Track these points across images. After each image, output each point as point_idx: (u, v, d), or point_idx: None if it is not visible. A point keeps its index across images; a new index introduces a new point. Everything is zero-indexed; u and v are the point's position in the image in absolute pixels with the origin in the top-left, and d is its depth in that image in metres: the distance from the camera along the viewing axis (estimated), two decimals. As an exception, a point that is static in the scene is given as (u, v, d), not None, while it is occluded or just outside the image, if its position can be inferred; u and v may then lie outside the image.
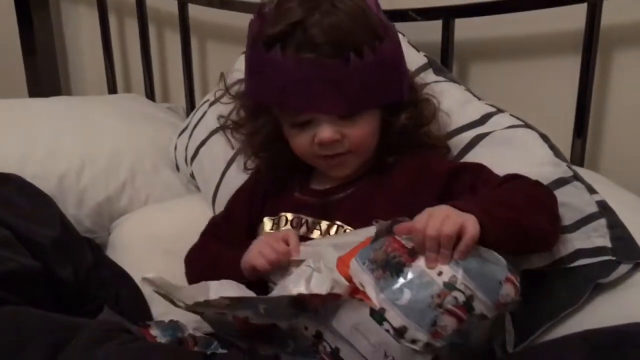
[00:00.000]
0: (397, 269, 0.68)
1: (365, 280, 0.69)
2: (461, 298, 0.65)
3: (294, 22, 0.81)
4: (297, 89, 0.82)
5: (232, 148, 1.01)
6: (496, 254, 0.69)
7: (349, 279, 0.70)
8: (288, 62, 0.81)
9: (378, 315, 0.67)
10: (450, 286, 0.65)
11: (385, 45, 0.83)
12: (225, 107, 1.03)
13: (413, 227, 0.69)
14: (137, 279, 1.11)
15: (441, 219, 0.67)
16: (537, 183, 0.82)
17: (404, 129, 0.89)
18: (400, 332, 0.66)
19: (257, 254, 0.80)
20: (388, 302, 0.67)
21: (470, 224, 0.67)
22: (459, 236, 0.67)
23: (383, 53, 0.83)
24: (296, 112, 0.85)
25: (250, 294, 0.75)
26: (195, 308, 0.75)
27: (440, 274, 0.66)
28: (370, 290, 0.68)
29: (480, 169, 0.86)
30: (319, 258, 0.74)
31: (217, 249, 0.94)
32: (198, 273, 0.92)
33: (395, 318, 0.66)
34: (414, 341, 0.66)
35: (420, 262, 0.68)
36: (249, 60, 0.88)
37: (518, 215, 0.73)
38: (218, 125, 1.23)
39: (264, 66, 0.84)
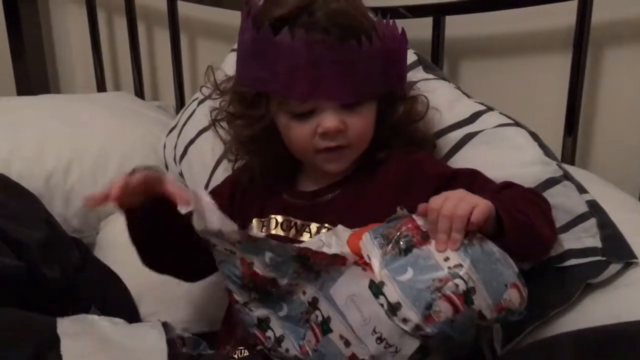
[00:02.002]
0: (407, 248, 0.68)
1: (373, 252, 0.69)
2: (462, 287, 0.64)
3: (300, 5, 0.80)
4: (306, 73, 0.79)
5: (224, 143, 0.98)
6: (510, 259, 0.69)
7: (358, 252, 0.71)
8: (298, 44, 0.78)
9: (375, 288, 0.67)
10: (454, 273, 0.65)
11: (391, 31, 0.84)
12: (213, 103, 0.99)
13: (429, 206, 0.69)
14: (125, 279, 1.10)
15: (456, 200, 0.68)
16: (533, 190, 0.82)
17: (398, 123, 0.88)
18: (393, 309, 0.66)
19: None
20: (389, 276, 0.67)
21: (484, 204, 0.68)
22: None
23: (388, 40, 0.83)
24: (302, 99, 0.82)
25: None
26: (206, 235, 0.73)
27: (447, 259, 0.66)
28: (375, 263, 0.68)
29: (474, 175, 0.85)
30: (332, 235, 0.75)
31: None
32: None
33: (392, 293, 0.66)
34: (405, 320, 0.65)
35: (431, 246, 0.68)
36: (248, 45, 0.84)
37: (529, 219, 0.73)
38: (207, 124, 1.23)
39: (269, 50, 0.81)
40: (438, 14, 1.14)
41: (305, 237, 0.87)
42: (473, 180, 0.83)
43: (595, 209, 0.83)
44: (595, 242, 0.81)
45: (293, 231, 0.88)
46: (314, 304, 0.71)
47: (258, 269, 0.73)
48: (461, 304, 0.64)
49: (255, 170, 0.94)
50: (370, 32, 0.81)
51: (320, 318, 0.70)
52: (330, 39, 0.79)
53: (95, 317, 0.75)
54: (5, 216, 0.95)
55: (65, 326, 0.70)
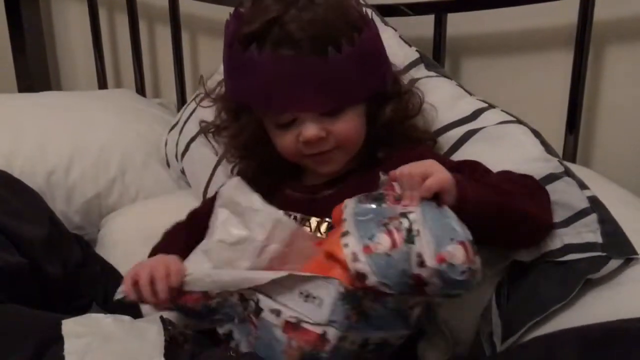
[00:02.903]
0: (377, 200, 0.71)
1: (350, 204, 0.72)
2: (405, 225, 0.66)
3: (270, 18, 0.80)
4: (277, 88, 0.81)
5: (216, 154, 0.99)
6: (467, 228, 0.68)
7: (337, 216, 0.73)
8: (266, 60, 0.80)
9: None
10: (403, 215, 0.67)
11: (364, 36, 0.82)
12: (205, 111, 1.02)
13: (399, 169, 0.71)
14: (127, 276, 1.10)
15: (418, 165, 0.70)
16: (530, 177, 0.83)
17: (390, 122, 0.88)
18: (342, 234, 0.68)
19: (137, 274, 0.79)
20: (352, 217, 0.69)
21: (441, 174, 0.70)
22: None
23: (362, 44, 0.82)
24: (278, 112, 0.84)
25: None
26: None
27: (404, 207, 0.68)
28: (347, 210, 0.71)
29: (475, 167, 0.85)
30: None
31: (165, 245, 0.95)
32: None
33: (348, 225, 0.68)
34: (346, 245, 0.66)
35: (399, 205, 0.69)
36: (226, 61, 0.86)
37: (506, 197, 0.74)
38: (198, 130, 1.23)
39: (241, 66, 0.83)
40: (440, 11, 1.14)
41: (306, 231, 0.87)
42: (474, 171, 0.84)
43: (596, 205, 0.83)
44: (595, 237, 0.81)
45: None
46: (242, 298, 0.73)
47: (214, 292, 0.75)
48: (400, 240, 0.65)
49: (254, 173, 0.95)
50: (340, 40, 0.79)
51: (253, 305, 0.72)
52: (299, 53, 0.79)
53: (100, 315, 0.75)
54: (7, 213, 0.95)
55: (70, 327, 0.71)
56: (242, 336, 0.75)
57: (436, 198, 0.69)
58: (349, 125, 0.85)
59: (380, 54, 0.87)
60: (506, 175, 0.82)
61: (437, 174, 0.69)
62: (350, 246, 0.66)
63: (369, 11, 0.91)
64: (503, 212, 0.74)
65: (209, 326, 0.78)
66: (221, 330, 0.77)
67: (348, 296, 0.67)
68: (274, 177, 0.94)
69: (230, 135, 0.94)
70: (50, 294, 0.93)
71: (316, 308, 0.67)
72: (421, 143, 0.93)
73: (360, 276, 0.65)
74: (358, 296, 0.67)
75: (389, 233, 0.65)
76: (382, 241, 0.65)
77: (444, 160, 0.89)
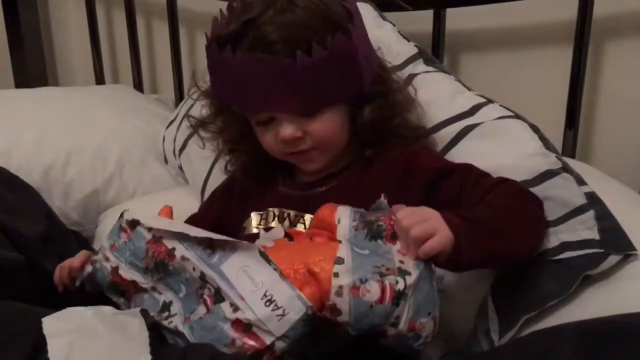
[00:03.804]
0: (374, 235, 0.71)
1: (345, 220, 0.73)
2: (400, 286, 0.66)
3: (247, 19, 0.80)
4: (252, 89, 0.81)
5: (202, 147, 1.01)
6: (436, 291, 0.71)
7: (325, 218, 0.75)
8: (240, 62, 0.80)
9: (265, 256, 0.69)
10: (401, 273, 0.67)
11: (338, 38, 0.80)
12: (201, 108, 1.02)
13: (397, 215, 0.71)
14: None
15: (421, 218, 0.69)
16: (524, 191, 0.82)
17: (371, 123, 0.87)
18: (336, 261, 0.68)
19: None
20: (348, 244, 0.70)
21: (442, 237, 0.69)
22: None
23: (335, 47, 0.80)
24: (255, 112, 0.85)
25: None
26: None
27: (402, 262, 0.68)
28: (342, 228, 0.72)
29: (468, 171, 0.85)
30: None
31: None
32: None
33: (343, 249, 0.68)
34: (336, 274, 0.66)
35: (395, 246, 0.70)
36: (208, 60, 0.87)
37: (500, 243, 0.74)
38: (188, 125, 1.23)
39: (219, 66, 0.84)
40: (439, 6, 1.14)
41: (300, 228, 0.87)
42: (466, 178, 0.83)
43: (593, 201, 0.83)
44: (592, 234, 0.81)
45: (287, 222, 0.88)
46: (203, 277, 0.72)
47: (165, 241, 0.77)
48: (389, 298, 0.66)
49: (246, 167, 0.95)
50: (315, 41, 0.79)
51: (212, 290, 0.72)
52: (271, 55, 0.79)
53: (81, 308, 0.74)
54: (5, 209, 0.95)
55: (51, 325, 0.70)
56: (183, 311, 0.74)
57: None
58: (326, 125, 0.84)
59: (358, 54, 0.83)
60: (500, 197, 0.80)
61: (439, 236, 0.69)
62: (340, 279, 0.66)
63: (366, 6, 0.90)
64: (495, 257, 0.75)
65: (152, 284, 0.78)
66: (161, 298, 0.77)
67: (311, 319, 0.67)
68: (266, 172, 0.94)
69: (218, 130, 0.94)
70: (47, 291, 0.93)
71: (275, 317, 0.67)
72: (415, 139, 0.92)
73: (335, 311, 0.66)
74: (317, 321, 0.68)
75: (382, 286, 0.66)
76: (372, 290, 0.66)
77: (438, 161, 0.89)
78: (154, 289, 0.78)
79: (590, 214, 0.82)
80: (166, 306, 0.76)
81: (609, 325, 0.63)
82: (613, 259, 0.79)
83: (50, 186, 1.28)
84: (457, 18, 1.15)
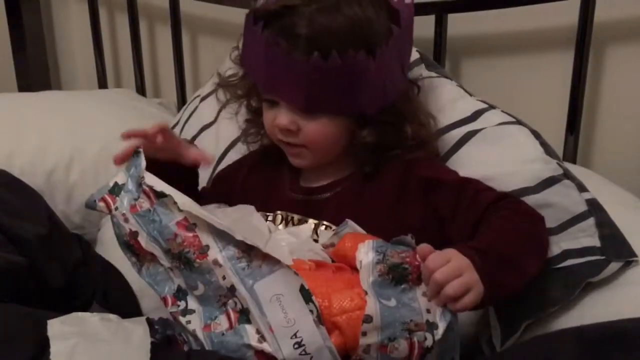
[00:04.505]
0: (400, 279, 0.69)
1: (367, 264, 0.69)
2: (429, 343, 0.66)
3: (288, 5, 0.81)
4: (266, 69, 0.83)
5: (215, 117, 1.02)
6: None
7: (347, 252, 0.72)
8: (264, 40, 0.81)
9: (306, 293, 0.67)
10: (430, 327, 0.67)
11: (359, 56, 0.80)
12: (207, 108, 1.08)
13: (426, 262, 0.69)
14: (127, 275, 1.10)
15: (454, 272, 0.68)
16: (525, 212, 0.81)
17: (367, 145, 0.86)
18: (365, 319, 0.66)
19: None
20: (374, 294, 0.67)
21: (476, 295, 0.68)
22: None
23: (352, 63, 0.80)
24: (261, 90, 0.87)
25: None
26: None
27: (428, 311, 0.67)
28: (365, 273, 0.69)
29: (463, 187, 0.84)
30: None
31: None
32: None
33: (371, 305, 0.66)
34: (364, 333, 0.65)
35: (419, 290, 0.69)
36: (244, 27, 0.88)
37: (520, 278, 0.75)
38: (210, 121, 1.23)
39: (248, 36, 0.86)
40: (440, 11, 1.14)
41: None
42: (461, 194, 0.83)
43: (594, 208, 0.83)
44: (593, 241, 0.81)
45: (290, 226, 0.88)
46: (232, 290, 0.70)
47: (198, 231, 0.72)
48: (417, 355, 0.66)
49: (258, 155, 0.98)
50: (336, 50, 0.78)
51: (239, 306, 0.70)
52: (292, 47, 0.79)
53: (87, 314, 0.75)
54: (7, 212, 0.94)
55: (56, 327, 0.70)
56: (202, 315, 0.72)
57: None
58: (320, 129, 0.84)
59: (373, 77, 0.82)
60: (505, 221, 0.79)
61: (474, 293, 0.68)
62: (368, 338, 0.65)
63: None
64: (509, 295, 0.75)
65: (169, 266, 0.74)
66: (177, 281, 0.74)
67: None
68: (274, 166, 0.95)
69: (240, 94, 0.96)
70: (49, 294, 0.93)
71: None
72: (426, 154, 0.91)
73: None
74: None
75: (410, 343, 0.65)
76: (401, 348, 0.65)
77: (434, 170, 0.87)
78: (170, 269, 0.75)
79: (591, 221, 0.82)
80: (182, 293, 0.73)
81: (609, 330, 0.63)
82: (614, 265, 0.79)
83: (52, 190, 1.28)
84: (458, 23, 1.16)
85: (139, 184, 0.78)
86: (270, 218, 0.90)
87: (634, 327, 0.63)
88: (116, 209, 0.78)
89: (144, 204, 0.76)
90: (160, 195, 0.75)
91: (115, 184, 0.80)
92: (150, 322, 0.74)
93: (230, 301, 0.70)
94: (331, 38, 0.80)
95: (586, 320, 0.72)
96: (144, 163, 0.80)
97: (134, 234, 0.75)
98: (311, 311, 0.66)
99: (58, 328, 0.70)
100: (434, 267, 0.68)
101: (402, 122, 0.87)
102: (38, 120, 1.37)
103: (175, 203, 0.73)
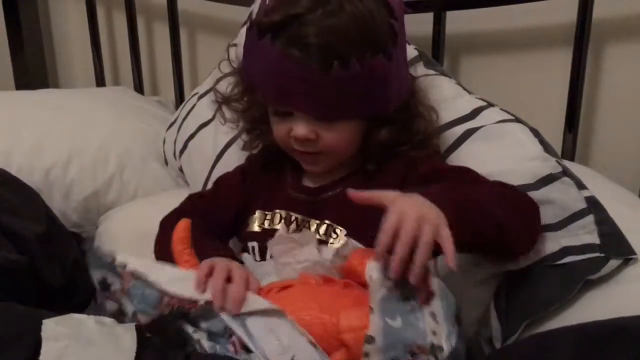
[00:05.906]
0: (407, 296, 0.68)
1: (376, 280, 0.68)
2: None
3: (293, 14, 0.79)
4: (279, 81, 0.81)
5: (223, 122, 1.00)
6: None
7: (356, 268, 0.71)
8: (274, 54, 0.80)
9: (296, 326, 0.67)
10: (433, 350, 0.65)
11: (378, 59, 0.80)
12: (206, 109, 1.04)
13: (382, 227, 0.66)
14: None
15: (414, 220, 0.65)
16: (522, 192, 0.82)
17: (383, 143, 0.87)
18: (366, 339, 0.65)
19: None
20: (380, 312, 0.66)
21: (429, 226, 0.65)
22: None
23: (372, 66, 0.80)
24: (274, 103, 0.85)
25: None
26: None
27: (434, 333, 0.66)
28: (373, 290, 0.68)
29: (464, 173, 0.85)
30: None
31: (200, 236, 0.91)
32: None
33: (375, 323, 0.65)
34: (366, 354, 0.65)
35: (427, 309, 0.68)
36: (245, 40, 0.87)
37: (491, 221, 0.73)
38: (208, 119, 1.23)
39: (254, 50, 0.84)
40: (439, 9, 1.14)
41: (306, 232, 0.86)
42: (460, 179, 0.83)
43: (593, 205, 0.83)
44: (593, 238, 0.81)
45: (293, 226, 0.88)
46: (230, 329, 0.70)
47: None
48: None
49: (262, 155, 0.97)
50: (350, 57, 0.78)
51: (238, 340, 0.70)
52: (305, 57, 0.78)
53: (83, 316, 0.75)
54: (5, 210, 0.94)
55: (50, 328, 0.70)
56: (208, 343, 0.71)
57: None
58: (339, 135, 0.84)
59: (391, 79, 0.83)
60: (493, 190, 0.79)
61: (429, 222, 0.65)
62: (371, 359, 0.64)
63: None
64: (478, 230, 0.73)
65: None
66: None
67: None
68: (277, 167, 0.95)
69: (242, 108, 0.95)
70: (48, 292, 0.93)
71: None
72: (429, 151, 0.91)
73: None
74: None
75: None
76: None
77: (434, 163, 0.88)
78: None
79: (590, 218, 0.82)
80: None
81: (607, 328, 0.63)
82: (613, 263, 0.79)
83: (50, 188, 1.28)
84: (457, 21, 1.16)
85: (118, 274, 0.77)
86: (268, 217, 0.90)
87: (633, 325, 0.63)
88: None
89: (129, 282, 0.75)
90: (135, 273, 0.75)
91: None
92: (140, 329, 0.74)
93: (234, 335, 0.70)
94: (344, 43, 0.79)
95: (585, 317, 0.72)
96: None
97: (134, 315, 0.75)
98: (302, 334, 0.67)
99: (52, 329, 0.70)
100: (391, 225, 0.65)
101: (412, 118, 0.88)
102: (36, 118, 1.37)
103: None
